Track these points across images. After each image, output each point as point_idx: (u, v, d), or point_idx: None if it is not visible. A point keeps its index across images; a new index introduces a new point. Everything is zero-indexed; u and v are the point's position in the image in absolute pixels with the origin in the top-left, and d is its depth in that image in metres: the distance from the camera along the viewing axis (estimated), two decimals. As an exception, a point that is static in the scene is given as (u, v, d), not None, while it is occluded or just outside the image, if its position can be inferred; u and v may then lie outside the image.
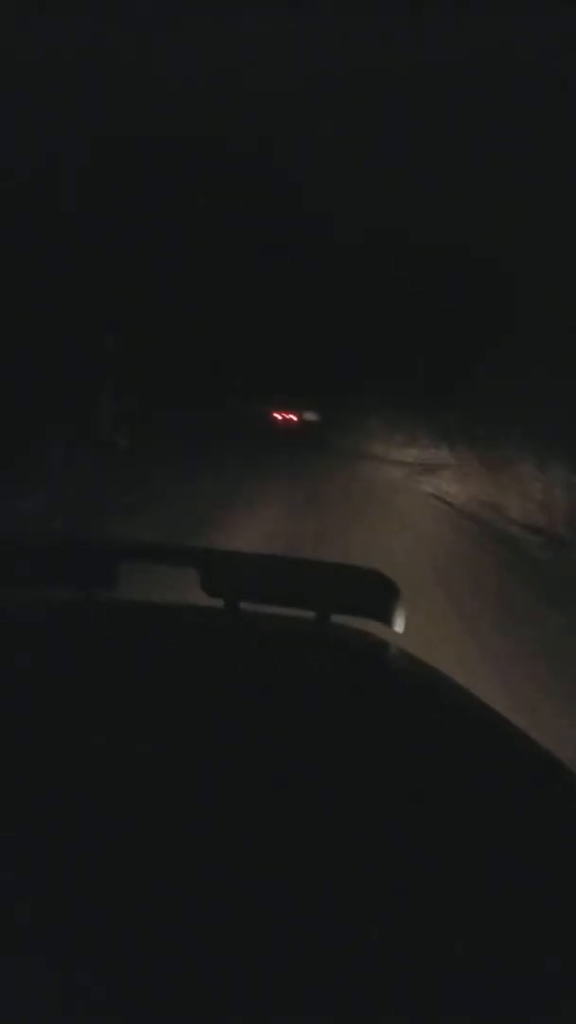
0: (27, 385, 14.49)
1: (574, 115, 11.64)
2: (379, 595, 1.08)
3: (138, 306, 19.00)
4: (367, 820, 0.65)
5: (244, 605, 1.11)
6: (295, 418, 32.52)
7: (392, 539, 8.10)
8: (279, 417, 32.76)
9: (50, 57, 11.50)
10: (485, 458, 13.27)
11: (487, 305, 14.40)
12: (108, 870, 0.56)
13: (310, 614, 1.10)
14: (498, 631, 5.12)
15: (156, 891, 0.54)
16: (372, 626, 1.11)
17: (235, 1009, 0.46)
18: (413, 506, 11.06)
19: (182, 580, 1.13)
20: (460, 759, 0.80)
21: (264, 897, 0.54)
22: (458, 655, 3.97)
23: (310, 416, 31.08)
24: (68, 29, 11.11)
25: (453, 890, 0.57)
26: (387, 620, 1.06)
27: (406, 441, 20.91)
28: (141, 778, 0.68)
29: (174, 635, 1.08)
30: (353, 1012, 0.46)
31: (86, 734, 0.75)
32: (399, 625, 1.06)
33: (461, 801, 0.70)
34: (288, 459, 17.73)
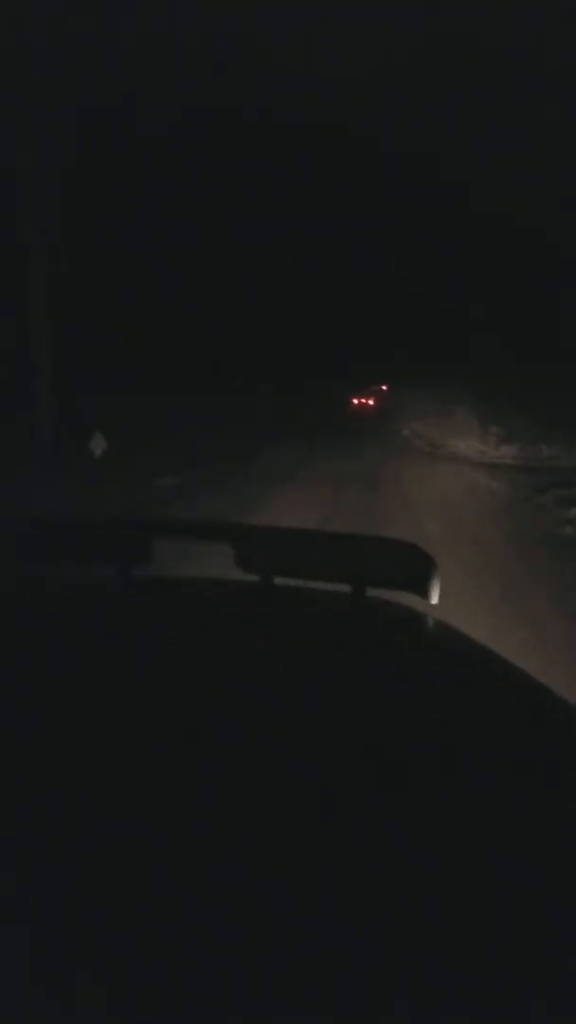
0: None
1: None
2: (415, 567, 1.06)
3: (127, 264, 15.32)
4: (399, 800, 0.63)
5: (279, 580, 1.11)
6: (371, 402, 28.75)
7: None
8: (356, 402, 30.19)
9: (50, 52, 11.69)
10: None
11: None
12: (111, 864, 0.55)
13: (346, 588, 1.08)
14: None
15: (157, 888, 0.54)
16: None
17: (235, 1009, 0.46)
18: (558, 572, 5.59)
19: (217, 556, 1.12)
20: (503, 733, 0.77)
21: (267, 896, 0.54)
22: None
23: (382, 400, 26.99)
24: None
25: (476, 885, 0.55)
26: (423, 592, 1.05)
27: (506, 436, 15.28)
28: (170, 756, 0.68)
29: (209, 611, 1.08)
30: (353, 1012, 0.46)
31: (121, 710, 0.74)
32: (435, 597, 1.04)
33: (498, 782, 0.68)
34: (344, 463, 12.48)
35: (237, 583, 1.13)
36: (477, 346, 21.34)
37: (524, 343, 18.67)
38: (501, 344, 19.63)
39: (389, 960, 0.49)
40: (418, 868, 0.56)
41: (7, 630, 0.96)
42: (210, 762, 0.67)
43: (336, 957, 0.49)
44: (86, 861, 0.55)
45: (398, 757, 0.69)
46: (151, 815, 0.60)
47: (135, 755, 0.67)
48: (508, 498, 9.63)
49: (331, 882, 0.54)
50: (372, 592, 1.08)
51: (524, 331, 19.07)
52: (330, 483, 10.09)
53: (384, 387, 30.56)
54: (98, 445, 11.37)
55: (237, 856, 0.56)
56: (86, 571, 1.13)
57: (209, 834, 0.58)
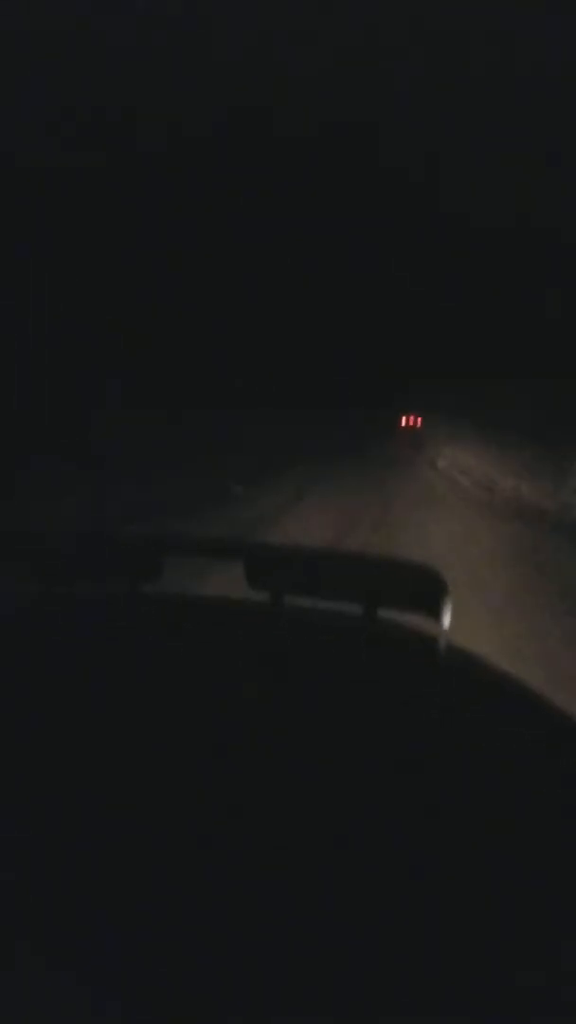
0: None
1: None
2: (426, 589, 1.04)
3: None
4: (411, 819, 0.63)
5: (290, 599, 1.10)
6: (419, 422, 27.79)
7: None
8: (404, 421, 29.18)
9: (54, 51, 12.07)
10: None
11: None
12: (111, 868, 0.55)
13: (357, 608, 1.07)
14: None
15: (157, 890, 0.54)
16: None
17: (235, 1009, 0.46)
18: None
19: (228, 574, 1.10)
20: (513, 753, 0.77)
21: (270, 898, 0.54)
22: None
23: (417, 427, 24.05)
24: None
25: (486, 894, 0.55)
26: (435, 614, 1.02)
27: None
28: (180, 772, 0.67)
29: (219, 629, 1.07)
30: (353, 1012, 0.46)
31: (131, 728, 0.74)
32: (446, 619, 1.01)
33: (506, 800, 0.67)
34: (348, 520, 7.87)
35: (247, 601, 1.11)
36: (504, 354, 17.40)
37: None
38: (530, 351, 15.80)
39: (389, 960, 0.49)
40: (420, 877, 0.55)
41: (19, 646, 0.95)
42: (216, 777, 0.65)
43: (336, 957, 0.48)
44: (88, 866, 0.54)
45: (406, 775, 0.68)
46: (155, 826, 0.58)
47: (142, 769, 0.66)
48: None
49: (331, 885, 0.54)
50: (383, 613, 1.06)
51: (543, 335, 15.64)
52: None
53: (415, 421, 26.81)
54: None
55: (238, 863, 0.55)
56: (96, 588, 1.13)
57: (210, 846, 0.57)
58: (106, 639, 0.97)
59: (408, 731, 0.78)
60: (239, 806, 0.62)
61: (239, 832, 0.59)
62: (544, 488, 10.52)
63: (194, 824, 0.60)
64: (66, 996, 0.46)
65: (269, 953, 0.49)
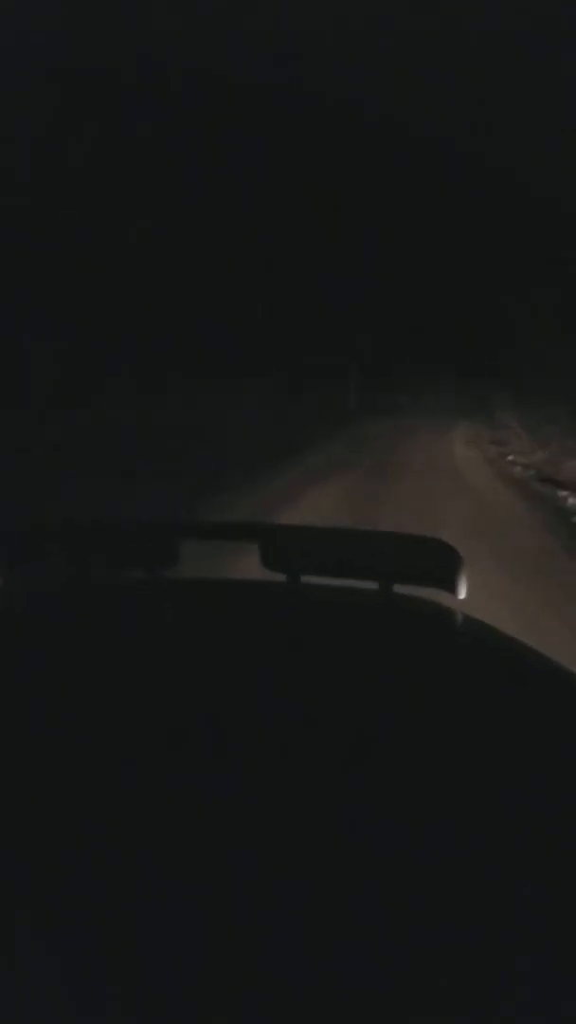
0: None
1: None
2: (441, 563, 1.05)
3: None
4: (422, 799, 0.62)
5: (306, 578, 1.10)
6: None
7: None
8: None
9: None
10: None
11: None
12: (110, 861, 0.55)
13: (373, 585, 1.07)
14: None
15: (158, 880, 0.53)
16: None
17: (235, 1009, 0.46)
18: None
19: (244, 557, 1.12)
20: (534, 725, 0.74)
21: (268, 895, 0.53)
22: None
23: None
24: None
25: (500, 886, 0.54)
26: (450, 588, 1.03)
27: None
28: (198, 754, 0.67)
29: (236, 612, 1.06)
30: (353, 1012, 0.46)
31: (156, 713, 0.74)
32: (462, 592, 1.02)
33: (529, 777, 0.66)
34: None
35: (264, 583, 1.10)
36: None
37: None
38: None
39: (389, 961, 0.48)
40: (436, 867, 0.53)
41: (41, 632, 0.94)
42: (230, 759, 0.65)
43: (336, 957, 0.48)
44: (89, 855, 0.53)
45: (429, 750, 0.67)
46: (165, 816, 0.58)
47: (163, 752, 0.66)
48: None
49: (332, 880, 0.53)
50: (399, 589, 1.04)
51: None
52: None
53: None
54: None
55: (241, 853, 0.54)
56: (116, 574, 1.14)
57: (218, 832, 0.56)
58: (124, 625, 0.98)
59: (427, 705, 0.77)
60: (251, 789, 0.61)
61: (252, 813, 0.58)
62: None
63: (203, 810, 0.58)
64: (65, 996, 0.45)
65: (269, 952, 0.48)
